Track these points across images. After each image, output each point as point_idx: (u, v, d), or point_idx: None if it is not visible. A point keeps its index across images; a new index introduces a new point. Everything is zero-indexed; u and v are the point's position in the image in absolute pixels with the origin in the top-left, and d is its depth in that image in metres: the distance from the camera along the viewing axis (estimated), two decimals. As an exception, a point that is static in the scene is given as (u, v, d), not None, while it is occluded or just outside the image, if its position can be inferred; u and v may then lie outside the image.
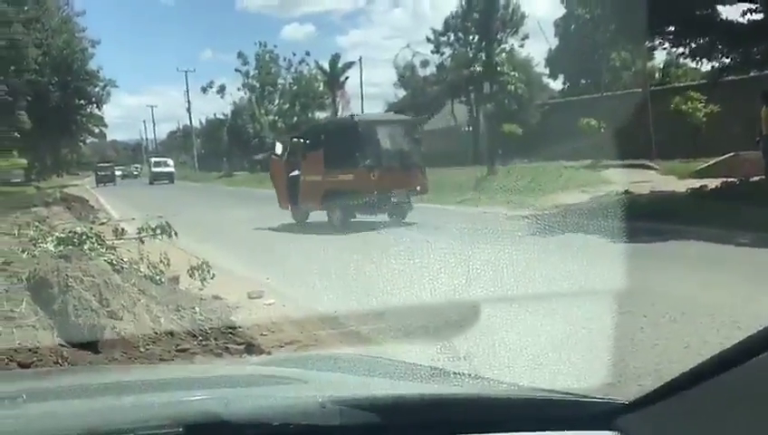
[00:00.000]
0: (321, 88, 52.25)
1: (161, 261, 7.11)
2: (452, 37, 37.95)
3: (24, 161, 45.46)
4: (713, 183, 13.72)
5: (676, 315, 5.32)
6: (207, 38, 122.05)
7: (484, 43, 30.84)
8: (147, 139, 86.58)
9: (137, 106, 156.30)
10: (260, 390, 1.67)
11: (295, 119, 48.31)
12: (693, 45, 14.11)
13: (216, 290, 6.68)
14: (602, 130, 25.21)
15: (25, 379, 2.47)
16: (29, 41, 30.82)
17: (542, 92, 38.15)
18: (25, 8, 31.78)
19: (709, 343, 4.24)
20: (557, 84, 41.45)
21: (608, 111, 25.01)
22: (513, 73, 33.60)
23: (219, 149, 58.81)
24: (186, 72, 60.36)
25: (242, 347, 4.63)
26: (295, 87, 52.59)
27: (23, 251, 7.32)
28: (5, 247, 7.87)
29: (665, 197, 14.02)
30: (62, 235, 8.25)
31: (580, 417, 1.29)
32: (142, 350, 4.37)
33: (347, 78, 51.76)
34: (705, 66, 16.56)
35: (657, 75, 34.79)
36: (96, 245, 7.66)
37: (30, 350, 4.09)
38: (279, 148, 15.94)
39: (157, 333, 4.67)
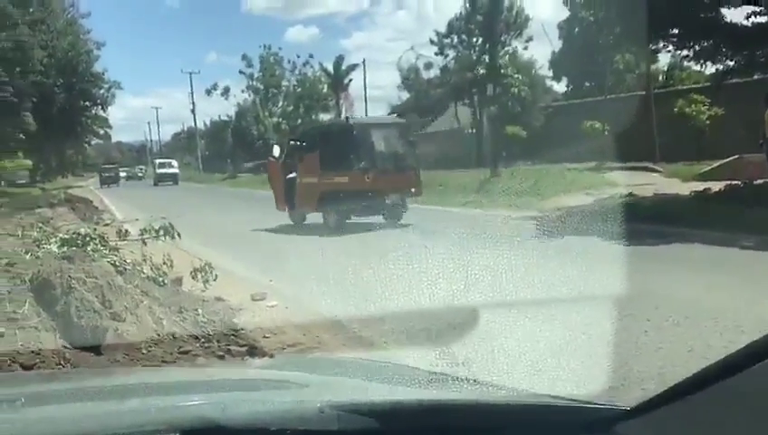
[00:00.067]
0: (324, 90, 52.28)
1: (164, 262, 7.12)
2: (456, 39, 37.92)
3: (29, 162, 45.64)
4: (716, 186, 13.68)
5: (680, 319, 5.30)
6: (212, 40, 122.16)
7: (487, 46, 30.81)
8: (151, 140, 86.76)
9: (141, 108, 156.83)
10: (258, 394, 1.67)
11: (299, 121, 48.32)
12: (697, 48, 14.08)
13: (218, 292, 6.69)
14: (606, 132, 25.18)
15: (27, 381, 2.47)
16: (34, 42, 30.86)
17: (545, 95, 38.11)
18: (31, 10, 31.83)
19: (713, 347, 4.23)
20: (561, 87, 41.44)
21: (611, 114, 24.97)
22: (516, 76, 33.59)
23: (223, 150, 58.92)
24: (190, 73, 60.86)
25: (244, 349, 4.62)
26: (299, 89, 52.63)
27: (26, 252, 7.32)
28: (9, 249, 7.88)
29: (668, 199, 13.99)
30: (65, 236, 8.26)
31: (579, 423, 1.28)
32: (144, 352, 4.37)
33: (351, 80, 51.88)
34: (709, 69, 16.55)
35: (660, 78, 34.72)
36: (99, 246, 7.66)
37: (32, 351, 4.09)
38: (276, 150, 16.06)
39: (159, 335, 4.67)
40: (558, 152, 24.75)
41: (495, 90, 26.44)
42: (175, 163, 52.30)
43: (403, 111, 47.41)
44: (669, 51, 16.38)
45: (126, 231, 9.84)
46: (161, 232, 8.71)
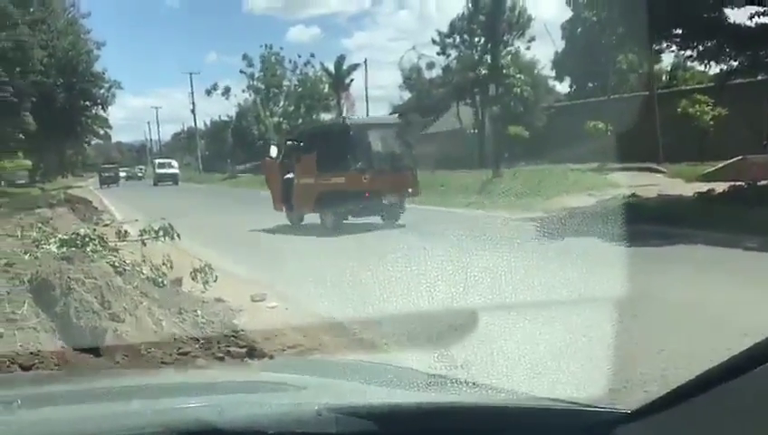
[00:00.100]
0: (326, 90, 52.36)
1: (164, 263, 7.11)
2: (458, 39, 37.91)
3: (28, 163, 45.76)
4: (720, 186, 13.70)
5: (684, 321, 5.28)
6: (212, 40, 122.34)
7: (490, 46, 30.86)
8: (151, 140, 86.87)
9: (141, 108, 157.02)
10: (256, 397, 1.66)
11: (300, 121, 48.37)
12: (700, 48, 14.08)
13: (218, 293, 6.67)
14: (609, 133, 25.19)
15: (25, 383, 2.46)
16: (35, 42, 30.90)
17: (548, 95, 38.13)
18: (31, 10, 31.88)
19: (716, 349, 4.17)
20: (563, 87, 41.49)
21: (614, 114, 24.98)
22: (519, 76, 33.61)
23: (224, 150, 59.00)
24: (190, 74, 60.98)
25: (244, 351, 4.60)
26: (300, 89, 52.73)
27: (25, 253, 7.31)
28: (8, 249, 7.87)
29: (672, 200, 13.99)
30: (65, 236, 8.25)
31: (579, 426, 1.28)
32: (144, 353, 4.36)
33: (352, 80, 51.94)
34: (713, 69, 16.53)
35: (664, 78, 34.74)
36: (99, 247, 7.66)
37: (31, 352, 4.08)
38: (273, 150, 16.16)
39: (158, 337, 4.65)
40: (560, 153, 24.76)
41: (498, 90, 26.45)
42: (175, 163, 52.37)
43: (405, 110, 47.36)
44: (673, 51, 16.42)
45: (125, 232, 9.84)
46: (161, 233, 8.69)
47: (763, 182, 13.14)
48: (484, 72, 33.66)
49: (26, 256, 7.03)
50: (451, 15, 43.02)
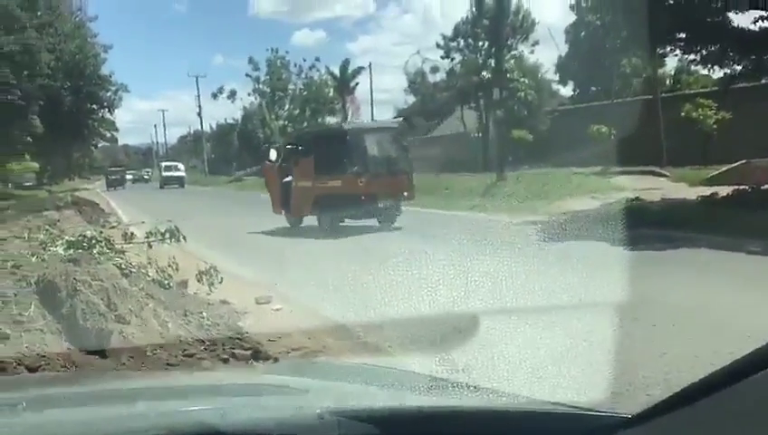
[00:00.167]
0: (331, 93, 52.29)
1: (170, 265, 7.13)
2: (462, 43, 37.81)
3: (35, 165, 45.81)
4: (724, 191, 13.65)
5: (686, 324, 5.28)
6: (219, 44, 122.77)
7: (494, 49, 30.69)
8: (158, 143, 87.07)
9: (148, 111, 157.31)
10: (259, 400, 1.67)
11: (305, 124, 48.34)
12: (704, 52, 14.03)
13: (223, 295, 6.69)
14: (612, 136, 25.07)
15: (31, 384, 2.47)
16: (42, 46, 30.95)
17: (551, 99, 37.98)
18: (39, 13, 31.96)
19: (719, 353, 4.19)
20: (567, 91, 41.33)
21: (618, 118, 24.88)
22: (522, 80, 33.51)
23: (229, 153, 59.01)
24: (197, 77, 60.71)
25: (248, 353, 4.62)
26: (305, 92, 52.68)
27: (32, 255, 7.35)
28: (16, 251, 7.91)
29: (675, 204, 13.96)
30: (71, 238, 8.28)
31: (581, 430, 1.27)
32: (149, 355, 4.37)
33: (357, 84, 51.85)
34: (717, 73, 16.48)
35: (668, 82, 34.61)
36: (105, 249, 7.69)
37: (38, 354, 4.10)
38: (273, 154, 16.28)
39: (164, 338, 4.67)
40: (564, 156, 24.69)
41: (502, 93, 26.34)
42: (181, 166, 52.43)
43: (409, 114, 47.43)
44: (676, 55, 16.37)
45: (132, 234, 9.88)
46: (167, 235, 8.73)
47: (767, 186, 13.09)
48: (487, 75, 33.56)
49: (33, 258, 7.07)
50: (455, 19, 42.93)
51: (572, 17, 36.37)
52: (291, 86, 53.53)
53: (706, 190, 14.67)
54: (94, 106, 42.88)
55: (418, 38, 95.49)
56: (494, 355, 4.18)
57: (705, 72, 19.88)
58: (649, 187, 17.73)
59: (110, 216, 19.33)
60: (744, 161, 17.71)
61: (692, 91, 28.04)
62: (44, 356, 4.07)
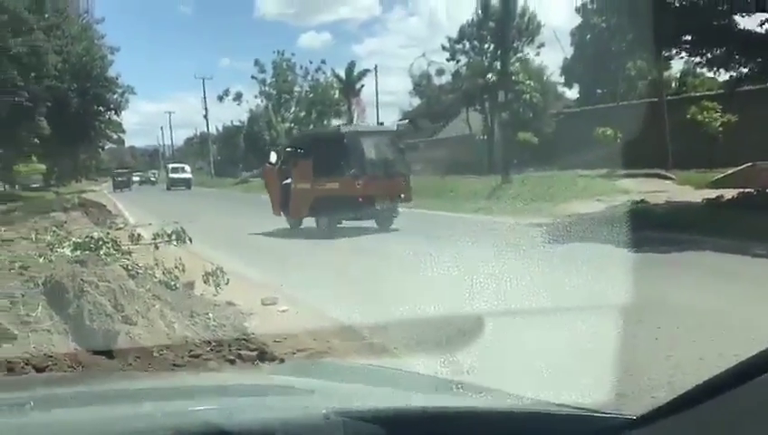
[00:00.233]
0: (336, 96, 52.29)
1: (176, 266, 7.16)
2: (467, 45, 37.76)
3: (43, 167, 45.97)
4: (729, 193, 13.61)
5: (691, 327, 5.27)
6: (225, 46, 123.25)
7: (499, 52, 30.72)
8: (164, 145, 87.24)
9: (155, 113, 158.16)
10: (265, 400, 1.67)
11: (311, 126, 48.37)
12: (710, 55, 14.01)
13: (229, 296, 6.71)
14: (618, 139, 25.02)
15: (38, 384, 2.48)
16: (49, 48, 31.05)
17: (557, 101, 37.91)
18: (46, 15, 32.05)
19: (724, 355, 4.19)
20: (572, 93, 41.20)
21: (623, 121, 24.82)
22: (528, 82, 33.45)
23: (235, 155, 59.12)
24: (203, 79, 60.92)
25: (254, 354, 4.63)
26: (311, 95, 52.69)
27: (40, 256, 7.38)
28: (23, 252, 7.95)
29: (681, 207, 13.93)
30: (78, 240, 8.32)
31: (586, 432, 1.28)
32: (156, 355, 4.39)
33: (362, 86, 51.87)
34: (723, 76, 16.44)
35: (673, 85, 34.53)
36: (112, 250, 7.73)
37: (45, 354, 4.12)
38: (273, 156, 16.44)
39: (170, 339, 4.69)
40: (569, 159, 24.66)
41: (507, 96, 26.33)
42: (188, 168, 52.56)
43: (414, 116, 47.49)
44: (682, 57, 16.34)
45: (138, 235, 9.92)
46: (173, 236, 8.77)
47: (773, 189, 13.06)
48: (493, 78, 33.53)
49: (41, 259, 7.10)
50: (461, 22, 42.89)
51: (578, 20, 36.27)
52: (297, 88, 53.56)
53: (712, 193, 14.63)
54: (101, 108, 42.96)
55: (424, 41, 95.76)
56: (499, 357, 4.18)
57: (710, 74, 19.86)
58: (655, 189, 17.69)
59: (116, 217, 19.39)
60: (749, 164, 17.65)
61: (697, 94, 27.96)
62: (51, 356, 4.09)
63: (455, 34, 38.10)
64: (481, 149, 34.72)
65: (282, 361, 4.51)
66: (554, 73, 38.42)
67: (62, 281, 4.99)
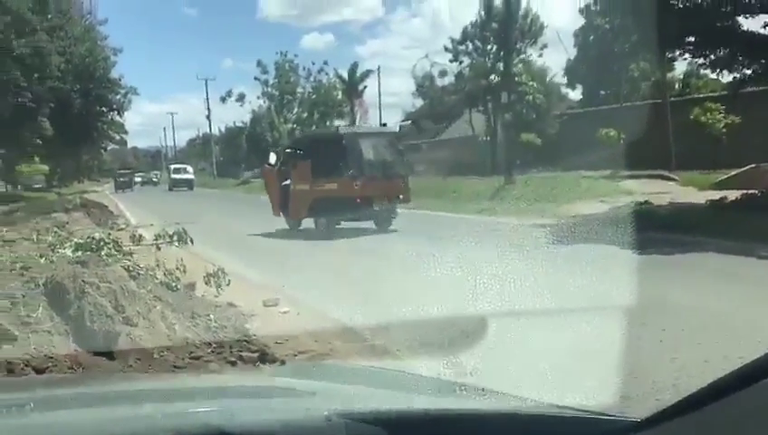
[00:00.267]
0: (339, 97, 52.40)
1: (177, 268, 7.15)
2: (470, 46, 37.82)
3: (45, 167, 46.05)
4: (733, 195, 13.59)
5: (696, 329, 5.25)
6: (228, 47, 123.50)
7: (502, 53, 30.73)
8: (167, 146, 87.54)
9: (157, 113, 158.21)
10: (267, 402, 1.67)
11: (314, 127, 48.43)
12: (713, 56, 13.99)
13: (231, 297, 6.70)
14: (621, 140, 25.02)
15: (38, 386, 2.47)
16: (52, 48, 31.13)
17: (560, 102, 37.96)
18: (49, 16, 32.13)
19: (729, 358, 4.17)
20: (576, 94, 41.28)
21: (627, 122, 24.81)
22: (531, 83, 33.48)
23: (238, 156, 59.22)
24: (206, 80, 60.98)
25: (256, 356, 4.61)
26: (314, 96, 52.77)
27: (41, 256, 7.38)
28: (25, 253, 7.95)
29: (684, 208, 13.91)
30: (80, 240, 8.33)
31: (590, 434, 1.27)
32: (156, 357, 4.37)
33: (365, 87, 52.04)
34: (726, 77, 16.40)
35: (677, 86, 34.53)
36: (113, 251, 7.73)
37: (45, 355, 4.11)
38: (272, 157, 16.54)
39: (171, 341, 4.67)
40: (573, 160, 24.65)
41: (510, 97, 26.33)
42: (190, 169, 52.71)
43: (417, 117, 47.56)
44: (686, 59, 16.33)
45: (140, 236, 9.92)
46: (175, 237, 8.77)
47: (777, 190, 13.03)
48: (496, 79, 33.57)
49: (42, 260, 7.10)
50: (464, 23, 42.89)
51: (581, 21, 36.36)
52: (299, 89, 53.65)
53: (715, 194, 14.61)
54: (104, 109, 43.05)
55: (427, 42, 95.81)
56: (502, 358, 4.16)
57: (714, 76, 19.81)
58: (658, 190, 17.68)
59: (118, 218, 19.43)
60: (753, 165, 17.63)
61: (701, 96, 27.95)
62: (52, 358, 4.08)
63: (458, 36, 38.23)
64: (484, 151, 34.75)
65: (283, 362, 4.49)
66: (557, 75, 38.56)
67: (63, 282, 4.98)
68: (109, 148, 63.94)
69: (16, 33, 29.02)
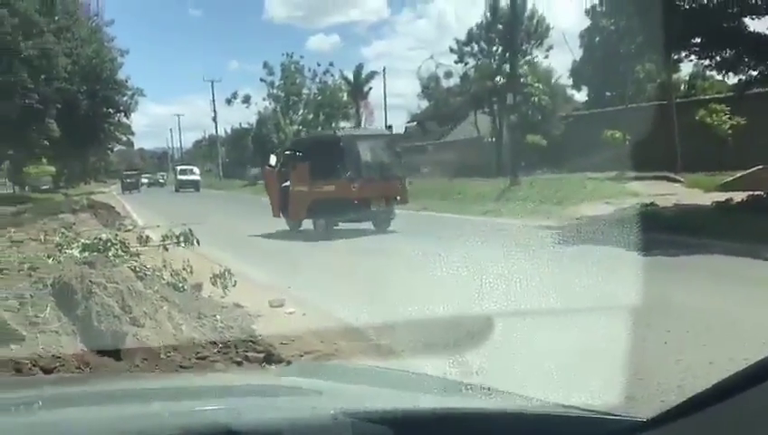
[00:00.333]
0: (345, 98, 52.35)
1: (184, 268, 7.17)
2: (476, 48, 37.80)
3: (52, 169, 46.20)
4: (739, 196, 13.54)
5: (701, 330, 5.24)
6: (234, 49, 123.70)
7: (507, 54, 30.74)
8: (173, 147, 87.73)
9: (164, 115, 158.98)
10: (273, 401, 1.68)
11: (319, 129, 48.45)
12: (719, 58, 13.95)
13: (237, 298, 6.72)
14: (627, 142, 24.97)
15: (46, 385, 2.49)
16: (59, 50, 31.24)
17: (565, 104, 37.90)
18: (56, 18, 32.24)
19: (735, 359, 4.16)
20: (581, 96, 41.20)
21: (632, 123, 24.77)
22: (536, 85, 33.44)
23: (244, 157, 59.29)
24: (212, 81, 61.12)
25: (261, 356, 4.63)
26: (320, 97, 52.70)
27: (48, 257, 7.41)
28: (32, 253, 7.98)
29: (690, 210, 13.86)
30: (87, 241, 8.35)
31: (595, 434, 1.27)
32: (163, 357, 4.39)
33: (371, 88, 52.02)
34: (732, 79, 16.36)
35: (682, 87, 34.43)
36: (120, 251, 7.75)
37: (53, 355, 4.13)
38: (272, 160, 16.66)
39: (178, 341, 4.69)
40: (578, 161, 24.62)
41: (515, 98, 26.30)
42: (196, 170, 52.79)
43: (422, 119, 47.56)
44: (691, 60, 16.32)
45: (147, 237, 9.94)
46: (181, 238, 8.80)
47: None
48: (501, 80, 33.54)
49: (49, 261, 7.13)
50: (469, 24, 42.93)
51: (587, 22, 36.32)
52: (305, 91, 53.52)
53: (721, 196, 14.55)
54: (110, 110, 43.14)
55: (432, 43, 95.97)
56: (508, 358, 4.16)
57: (720, 77, 19.75)
58: (663, 192, 17.63)
59: (125, 219, 19.47)
60: (759, 167, 17.57)
61: (707, 97, 27.87)
62: (59, 357, 4.10)
63: (463, 37, 38.20)
64: (489, 152, 34.73)
65: (288, 363, 4.50)
66: (563, 76, 38.54)
67: (71, 282, 5.00)
68: (115, 149, 64.08)
69: (24, 34, 29.14)
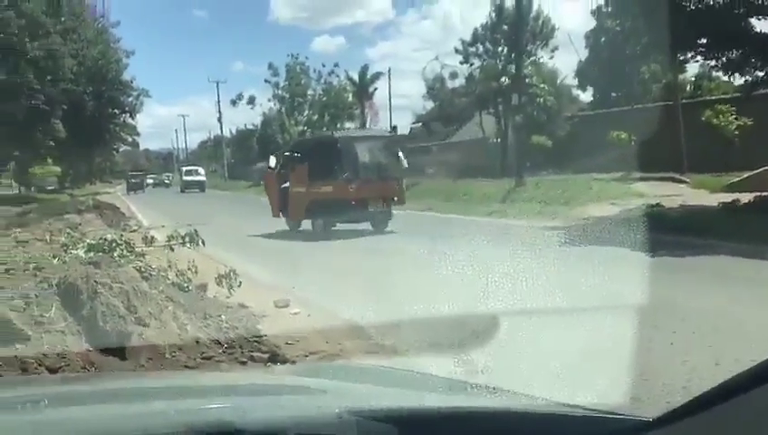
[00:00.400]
0: (350, 99, 52.41)
1: (189, 268, 7.18)
2: (481, 48, 37.72)
3: (58, 169, 46.39)
4: (745, 197, 13.51)
5: (707, 332, 5.22)
6: (239, 50, 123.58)
7: (513, 55, 30.66)
8: (178, 148, 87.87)
9: (169, 116, 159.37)
10: (279, 399, 1.68)
11: (324, 129, 48.49)
12: (725, 58, 13.92)
13: (242, 298, 6.72)
14: (632, 142, 24.89)
15: (52, 384, 2.50)
16: (65, 51, 31.38)
17: (571, 104, 37.79)
18: (63, 19, 32.39)
19: (741, 360, 4.14)
20: (587, 96, 41.09)
21: (638, 124, 24.67)
22: (542, 85, 33.36)
23: (249, 158, 59.33)
24: (217, 82, 61.17)
25: (266, 356, 4.63)
26: (324, 98, 52.78)
27: (54, 257, 7.42)
28: (38, 253, 8.01)
29: (696, 210, 13.82)
30: (92, 241, 8.36)
31: (601, 433, 1.27)
32: (168, 357, 4.39)
33: (376, 89, 52.03)
34: (738, 79, 16.31)
35: (688, 88, 34.31)
36: (126, 252, 7.76)
37: (58, 355, 4.14)
38: (272, 161, 16.77)
39: (183, 341, 4.70)
40: (584, 162, 24.57)
41: (521, 99, 26.24)
42: (201, 171, 52.90)
43: (428, 119, 47.54)
44: (697, 61, 16.27)
45: (152, 237, 9.96)
46: (186, 239, 8.80)
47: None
48: (507, 81, 33.51)
49: (55, 261, 7.14)
50: (474, 25, 42.85)
51: (592, 23, 36.24)
52: (310, 92, 53.63)
53: (727, 197, 14.51)
54: (116, 111, 43.35)
55: (437, 44, 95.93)
56: (513, 357, 4.16)
57: (726, 78, 19.70)
58: (669, 193, 17.58)
59: (130, 219, 19.52)
60: (766, 168, 17.49)
61: (713, 98, 27.77)
62: (65, 357, 4.11)
63: (468, 37, 38.13)
64: (494, 153, 34.68)
65: (293, 363, 4.50)
66: (568, 76, 38.38)
67: (76, 282, 5.01)
68: (121, 150, 64.37)
69: (30, 35, 29.28)
